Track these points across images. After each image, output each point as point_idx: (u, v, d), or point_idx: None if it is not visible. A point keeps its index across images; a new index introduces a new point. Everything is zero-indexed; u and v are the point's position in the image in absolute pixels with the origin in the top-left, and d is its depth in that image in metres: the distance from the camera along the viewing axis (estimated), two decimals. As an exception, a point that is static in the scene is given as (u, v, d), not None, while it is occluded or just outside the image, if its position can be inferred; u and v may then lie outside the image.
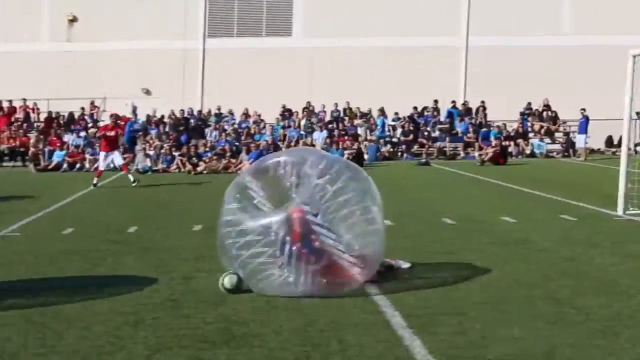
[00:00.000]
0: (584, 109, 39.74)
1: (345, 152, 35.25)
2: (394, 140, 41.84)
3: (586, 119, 39.19)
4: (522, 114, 44.17)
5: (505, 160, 35.35)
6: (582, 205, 18.56)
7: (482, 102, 44.20)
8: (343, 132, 40.28)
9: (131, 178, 25.27)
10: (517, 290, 9.72)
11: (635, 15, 45.57)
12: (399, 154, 41.08)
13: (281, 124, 42.78)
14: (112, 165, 26.55)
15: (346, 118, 43.36)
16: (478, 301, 9.13)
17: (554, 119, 44.12)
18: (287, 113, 43.98)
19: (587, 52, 46.15)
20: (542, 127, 43.33)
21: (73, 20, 47.13)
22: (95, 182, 24.91)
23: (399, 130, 42.25)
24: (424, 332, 7.87)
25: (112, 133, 25.51)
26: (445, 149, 41.33)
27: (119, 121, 26.91)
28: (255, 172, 10.20)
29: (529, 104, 44.51)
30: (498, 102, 43.49)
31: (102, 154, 25.64)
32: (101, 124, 41.45)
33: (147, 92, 46.35)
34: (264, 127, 42.06)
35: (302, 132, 41.25)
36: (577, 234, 14.18)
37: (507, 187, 23.66)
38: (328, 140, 38.79)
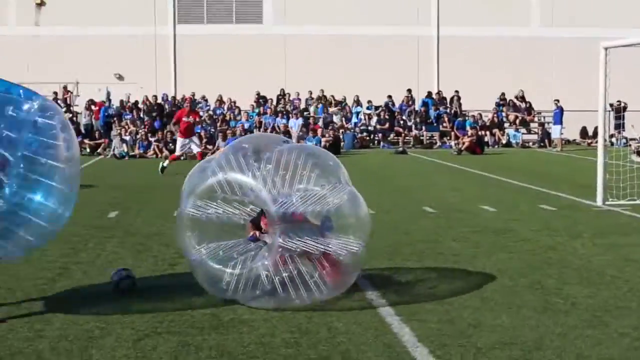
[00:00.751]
0: (557, 100, 39.99)
1: (323, 139, 35.22)
2: (370, 128, 41.89)
3: (560, 110, 39.43)
4: (497, 104, 44.30)
5: (482, 149, 35.52)
6: (561, 195, 18.66)
7: (457, 91, 44.27)
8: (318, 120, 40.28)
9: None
10: (501, 279, 9.73)
11: (606, 8, 45.84)
12: (375, 142, 41.15)
13: (256, 110, 42.68)
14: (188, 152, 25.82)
15: (320, 106, 43.37)
16: (464, 290, 9.14)
17: (529, 109, 44.33)
18: (261, 100, 43.88)
19: (560, 43, 46.42)
20: (517, 117, 43.51)
21: (41, 4, 46.55)
22: (165, 164, 24.39)
23: (375, 119, 42.27)
24: (412, 320, 7.87)
25: (189, 119, 24.68)
26: (421, 137, 41.41)
27: (192, 106, 25.61)
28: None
29: (503, 94, 44.63)
30: (472, 91, 43.64)
31: (180, 140, 25.01)
32: (76, 108, 41.32)
33: (120, 78, 46.10)
34: (239, 113, 41.95)
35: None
36: (557, 224, 14.23)
37: (485, 176, 23.75)
38: (304, 129, 38.72)
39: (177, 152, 25.13)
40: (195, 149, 24.81)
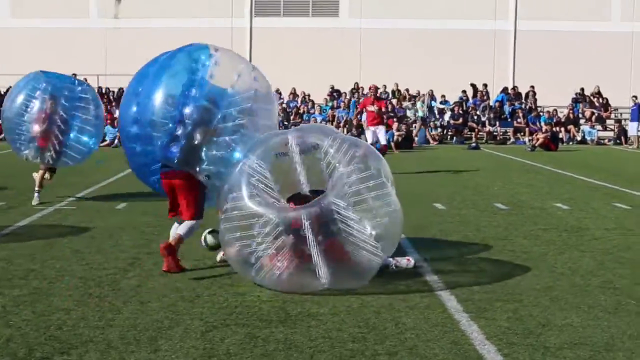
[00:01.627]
0: (635, 96, 39.40)
1: (396, 133, 35.14)
2: (443, 123, 41.70)
3: (638, 107, 38.76)
4: (573, 99, 43.75)
5: (556, 146, 35.06)
6: (636, 193, 18.40)
7: (532, 87, 43.84)
8: (392, 114, 40.06)
9: None
10: (572, 278, 9.62)
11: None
12: (448, 137, 40.94)
13: (330, 104, 42.73)
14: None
15: (394, 100, 43.19)
16: (533, 288, 9.06)
17: (605, 105, 43.68)
18: (335, 94, 43.92)
19: (639, 39, 45.67)
20: (593, 113, 42.90)
21: (121, -4, 47.42)
22: None
23: (448, 114, 42.05)
24: (480, 318, 7.83)
25: (373, 107, 23.34)
26: (495, 133, 41.10)
27: (377, 94, 24.23)
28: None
29: (582, 89, 44.05)
30: (548, 87, 43.19)
31: (370, 130, 23.60)
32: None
33: (196, 70, 46.46)
34: (313, 107, 42.05)
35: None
36: (631, 223, 14.01)
37: (559, 174, 23.47)
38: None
39: (369, 141, 22.87)
40: (382, 140, 23.32)
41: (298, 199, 9.22)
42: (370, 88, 24.28)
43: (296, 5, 47.63)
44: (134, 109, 9.79)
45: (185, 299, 8.45)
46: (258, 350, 6.81)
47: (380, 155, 9.49)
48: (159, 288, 8.88)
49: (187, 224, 9.85)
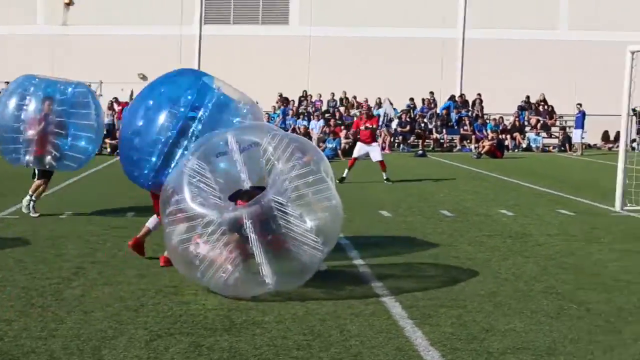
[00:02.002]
0: (580, 104, 39.82)
1: (343, 141, 35.20)
2: (390, 131, 41.79)
3: (583, 114, 39.23)
4: (520, 107, 44.12)
5: (502, 153, 35.35)
6: (579, 200, 18.62)
7: (479, 94, 44.15)
8: (339, 122, 40.12)
9: (384, 175, 22.94)
10: (516, 283, 9.73)
11: (633, 12, 45.52)
12: (396, 145, 41.04)
13: (278, 112, 42.70)
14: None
15: (342, 108, 43.29)
16: (478, 294, 9.14)
17: (551, 113, 44.13)
18: (283, 101, 43.88)
19: (584, 47, 46.08)
20: (538, 121, 43.34)
21: (69, 3, 46.92)
22: (344, 174, 22.78)
23: (395, 122, 42.15)
24: (424, 324, 7.88)
25: (363, 127, 23.31)
26: (442, 141, 41.32)
27: (370, 112, 24.15)
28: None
29: (528, 97, 44.44)
30: (495, 95, 43.49)
31: (357, 145, 23.78)
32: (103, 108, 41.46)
33: (144, 78, 46.11)
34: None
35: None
36: (574, 229, 14.20)
37: (504, 180, 23.68)
38: (325, 130, 38.63)
39: (355, 155, 23.69)
40: (376, 157, 23.26)
41: (242, 196, 9.17)
42: (362, 105, 24.36)
43: (246, 13, 47.54)
44: (139, 122, 10.52)
45: (130, 308, 8.39)
46: (202, 359, 6.80)
47: (322, 154, 9.51)
48: (103, 297, 8.81)
49: None
